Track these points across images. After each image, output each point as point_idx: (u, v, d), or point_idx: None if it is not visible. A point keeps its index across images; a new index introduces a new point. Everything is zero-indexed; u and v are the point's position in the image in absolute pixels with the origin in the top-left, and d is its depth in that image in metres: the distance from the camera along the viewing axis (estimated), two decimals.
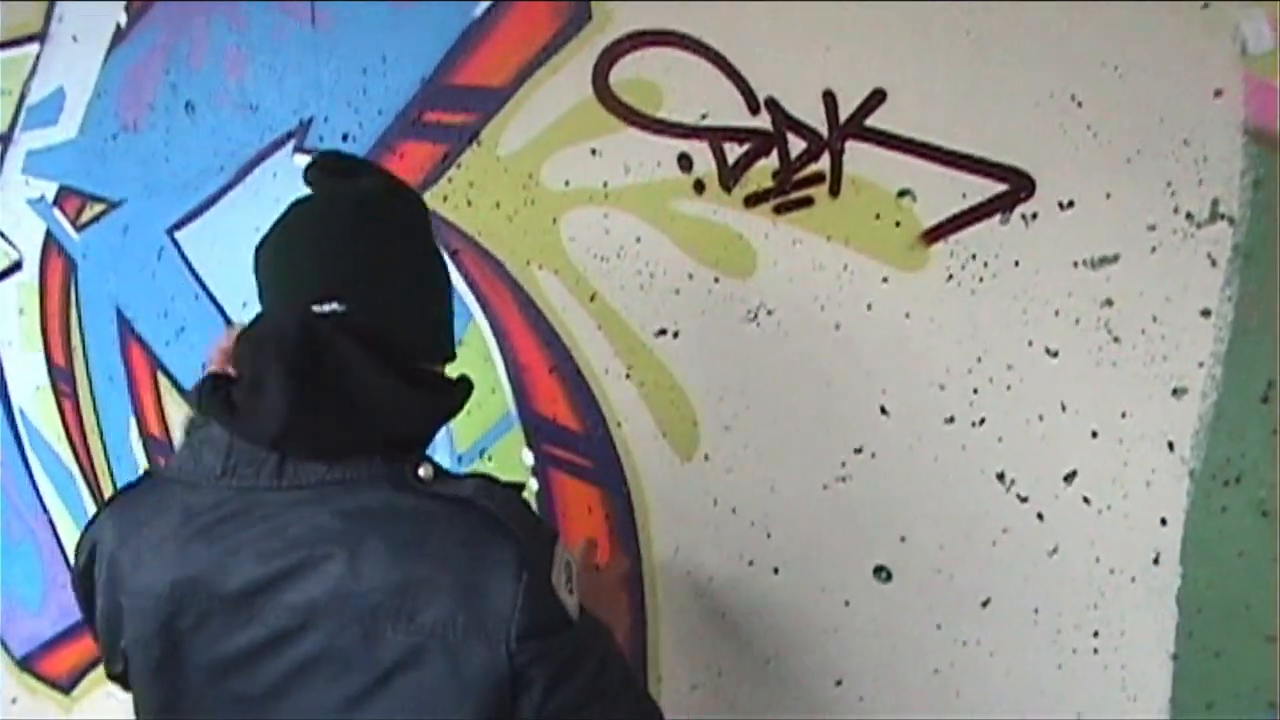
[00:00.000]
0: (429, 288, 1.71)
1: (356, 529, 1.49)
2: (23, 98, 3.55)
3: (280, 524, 1.52)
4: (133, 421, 3.43)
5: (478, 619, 1.46)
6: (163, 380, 3.31)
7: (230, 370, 1.66)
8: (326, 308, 1.55)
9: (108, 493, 3.31)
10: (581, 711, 1.56)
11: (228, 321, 3.00)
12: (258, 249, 1.66)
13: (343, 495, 1.52)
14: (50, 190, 3.53)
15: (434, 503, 1.52)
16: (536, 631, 1.48)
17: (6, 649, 4.36)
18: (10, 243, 3.77)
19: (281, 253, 1.64)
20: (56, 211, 3.53)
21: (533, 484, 2.52)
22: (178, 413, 3.22)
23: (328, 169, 1.71)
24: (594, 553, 2.27)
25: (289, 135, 2.81)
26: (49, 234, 3.61)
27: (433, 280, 1.72)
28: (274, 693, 1.55)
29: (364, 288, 1.58)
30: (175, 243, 3.14)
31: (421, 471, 1.55)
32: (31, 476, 4.04)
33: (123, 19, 3.16)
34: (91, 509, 3.73)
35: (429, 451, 1.66)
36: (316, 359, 1.51)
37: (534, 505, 2.52)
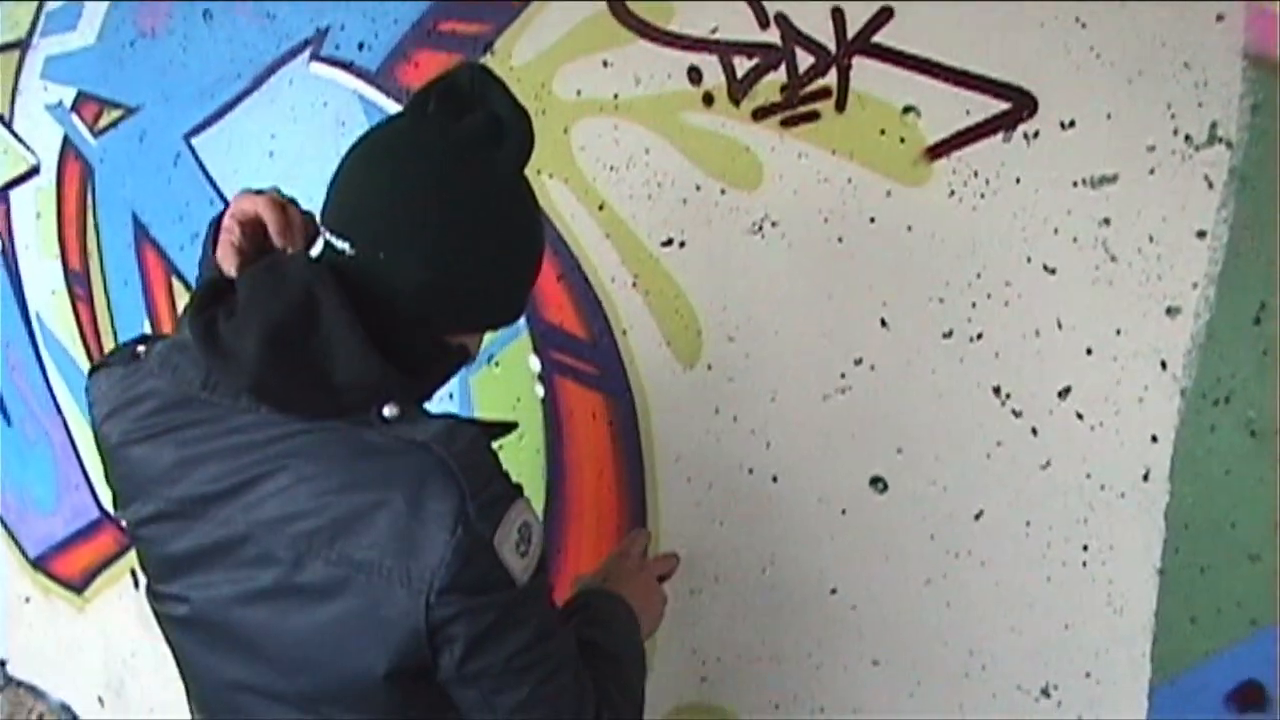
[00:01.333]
0: (481, 254, 1.61)
1: (307, 456, 1.50)
2: (41, 3, 3.56)
3: (242, 441, 1.53)
4: (147, 325, 3.47)
5: (404, 565, 1.44)
6: (177, 285, 3.34)
7: (231, 268, 1.67)
8: (339, 244, 1.55)
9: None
10: (508, 679, 1.54)
11: None
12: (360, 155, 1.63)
13: (306, 420, 1.52)
14: (68, 96, 3.56)
15: (391, 442, 1.49)
16: (463, 588, 1.46)
17: (20, 548, 4.42)
18: (28, 147, 3.80)
19: (344, 168, 1.61)
20: (74, 117, 3.55)
21: (539, 390, 2.56)
22: None
23: (446, 92, 1.61)
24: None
25: (305, 43, 2.83)
26: (66, 139, 3.63)
27: (489, 245, 1.61)
28: (210, 600, 1.59)
29: (390, 239, 1.54)
30: (191, 149, 3.17)
31: (386, 410, 1.51)
32: (46, 379, 4.08)
33: None
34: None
35: None
36: (306, 320, 1.50)
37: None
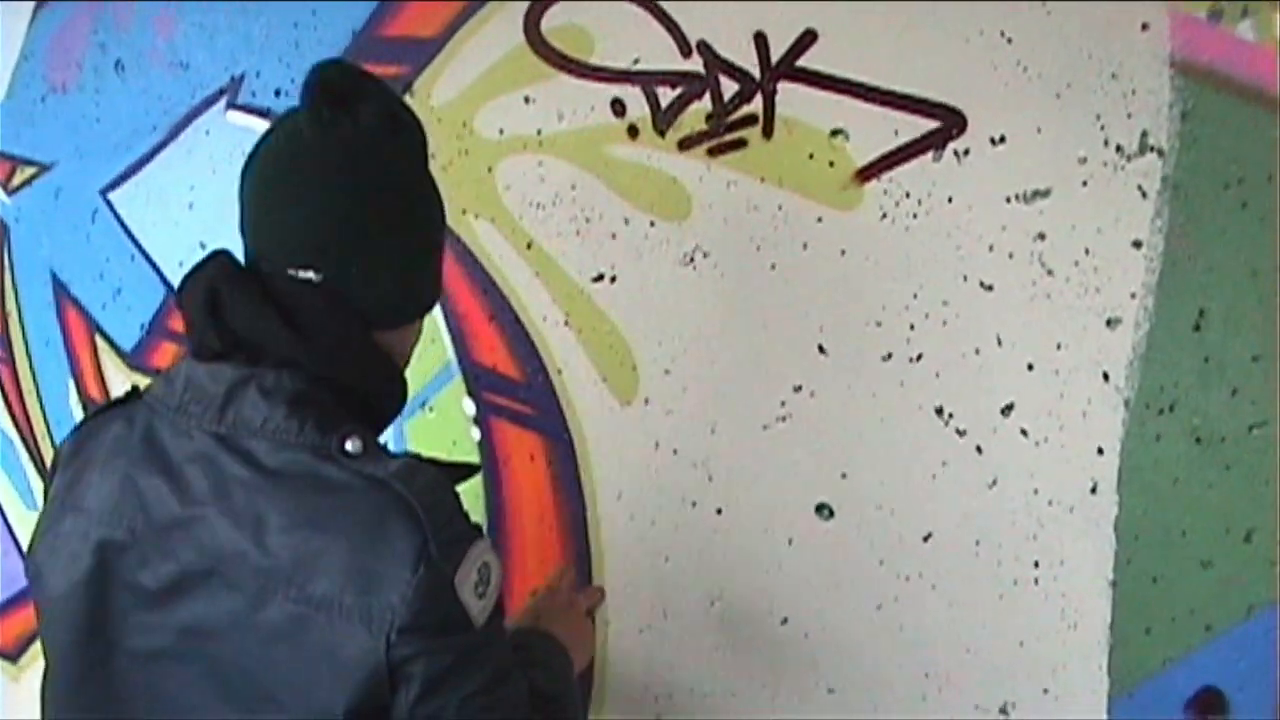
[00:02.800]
0: (417, 244, 1.68)
1: (267, 489, 1.49)
2: None
3: (205, 468, 1.52)
4: (72, 385, 3.41)
5: (364, 604, 1.43)
6: (100, 343, 3.29)
7: None
8: (303, 274, 1.54)
9: (49, 458, 3.28)
10: None
11: (165, 283, 2.99)
12: (245, 169, 1.63)
13: (269, 451, 1.50)
14: None
15: (352, 478, 1.49)
16: (423, 627, 1.45)
17: None
18: None
19: (265, 196, 1.60)
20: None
21: (474, 433, 2.53)
22: (117, 375, 3.21)
23: (329, 92, 1.59)
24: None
25: (221, 92, 2.80)
26: None
27: (422, 233, 1.69)
28: (178, 632, 1.55)
29: (346, 255, 1.56)
30: (109, 204, 3.13)
31: (349, 445, 1.50)
32: None
33: None
34: (33, 475, 3.71)
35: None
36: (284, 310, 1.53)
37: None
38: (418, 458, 1.56)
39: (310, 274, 1.54)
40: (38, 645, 3.89)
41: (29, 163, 3.36)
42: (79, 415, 3.38)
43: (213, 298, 1.56)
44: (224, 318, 1.56)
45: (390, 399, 1.67)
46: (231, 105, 2.78)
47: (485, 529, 2.36)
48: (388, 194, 1.60)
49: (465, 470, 1.64)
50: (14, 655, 4.09)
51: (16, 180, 3.42)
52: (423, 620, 1.44)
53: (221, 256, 1.62)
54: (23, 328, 3.59)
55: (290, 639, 1.46)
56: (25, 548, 3.71)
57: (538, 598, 2.22)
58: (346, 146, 1.57)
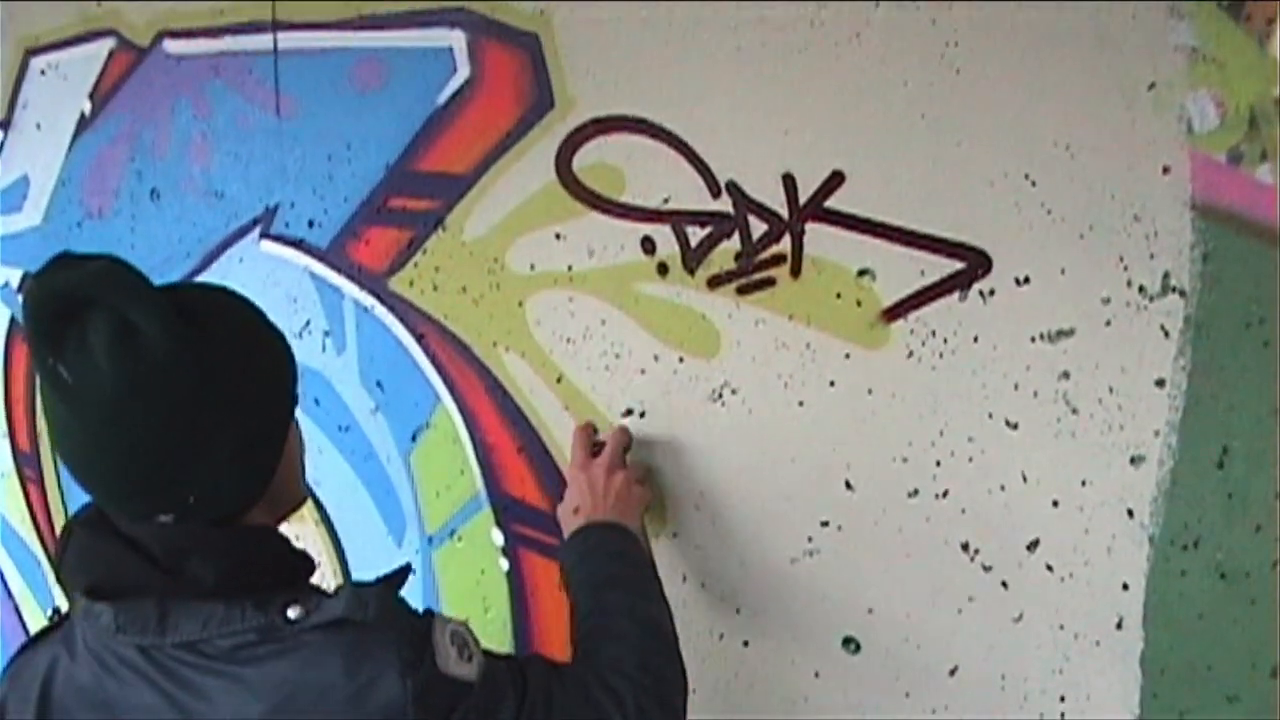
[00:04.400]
0: (247, 435, 1.58)
1: (238, 682, 1.51)
2: None
3: (161, 695, 1.54)
4: None
5: None
6: None
7: None
8: (157, 519, 1.55)
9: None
10: None
11: None
12: (48, 422, 1.56)
13: (222, 664, 1.52)
14: (14, 277, 3.54)
15: (309, 636, 1.51)
16: (437, 718, 1.51)
17: None
18: None
19: (80, 460, 1.53)
20: (20, 298, 3.54)
21: (503, 563, 2.54)
22: None
23: (45, 336, 1.45)
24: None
25: (255, 221, 2.83)
26: (13, 320, 3.61)
27: (246, 419, 1.57)
28: None
29: (187, 492, 1.53)
30: None
31: (291, 613, 1.52)
32: None
33: (87, 107, 3.18)
34: (58, 593, 3.72)
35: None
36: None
37: (504, 579, 2.54)
38: (355, 583, 1.60)
39: (160, 518, 1.54)
40: None
41: None
42: None
43: (80, 554, 1.61)
44: (96, 572, 1.58)
45: (279, 552, 1.67)
46: (265, 235, 2.81)
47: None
48: (182, 411, 1.48)
49: (401, 577, 1.68)
50: None
51: None
52: (434, 713, 1.50)
53: (87, 510, 1.63)
54: (52, 447, 3.61)
55: None
56: None
57: (573, 493, 2.20)
58: (98, 397, 1.44)
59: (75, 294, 1.44)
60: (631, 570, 2.02)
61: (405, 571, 1.70)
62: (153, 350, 1.44)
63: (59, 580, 1.64)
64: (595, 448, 2.24)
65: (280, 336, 1.69)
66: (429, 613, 1.61)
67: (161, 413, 1.46)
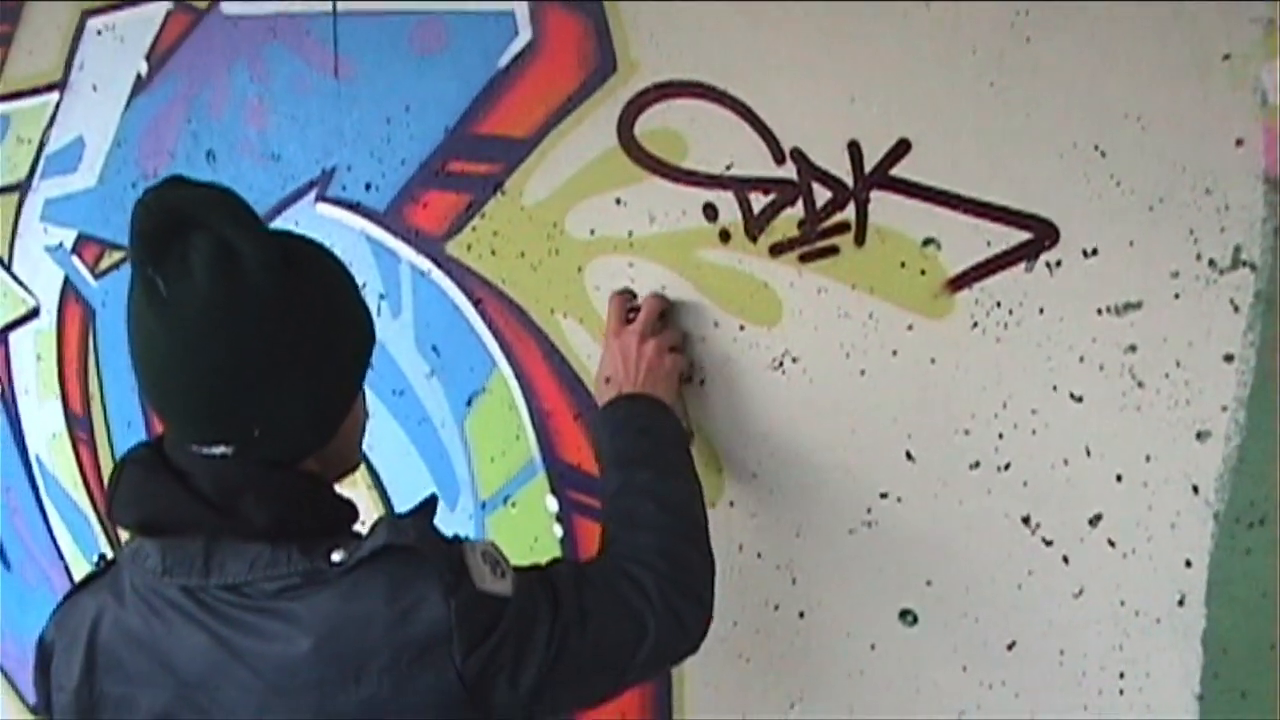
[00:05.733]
0: (324, 376, 1.62)
1: (283, 618, 1.54)
2: (42, 146, 3.57)
3: (209, 634, 1.56)
4: None
5: (420, 656, 1.50)
6: None
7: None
8: (216, 450, 1.56)
9: (124, 537, 3.32)
10: (559, 675, 1.62)
11: None
12: (128, 333, 1.59)
13: (267, 602, 1.55)
14: (69, 238, 3.56)
15: (352, 573, 1.54)
16: (479, 639, 1.53)
17: (20, 697, 4.37)
18: (28, 290, 3.79)
19: (147, 374, 1.57)
20: (75, 259, 3.56)
21: (557, 530, 2.54)
22: None
23: (151, 252, 1.48)
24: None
25: (311, 184, 2.83)
26: (67, 281, 3.63)
27: (325, 360, 1.61)
28: None
29: (253, 424, 1.56)
30: None
31: (335, 556, 1.55)
32: (47, 523, 4.05)
33: (144, 68, 3.18)
34: (108, 553, 3.75)
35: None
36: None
37: (559, 548, 2.55)
38: (390, 516, 1.69)
39: (220, 449, 1.56)
40: None
41: (118, 247, 3.40)
42: None
43: (132, 490, 1.61)
44: (147, 508, 1.60)
45: (329, 500, 1.71)
46: (321, 198, 2.81)
47: None
48: (266, 340, 1.53)
49: (431, 506, 1.71)
50: None
51: (105, 264, 3.46)
52: (476, 633, 1.54)
53: (139, 449, 1.66)
54: (105, 409, 3.63)
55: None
56: None
57: (606, 361, 2.23)
58: (189, 312, 1.49)
59: (185, 211, 1.48)
60: (658, 447, 2.04)
61: (434, 501, 1.72)
62: (249, 275, 1.49)
63: (109, 516, 1.64)
64: (631, 314, 2.24)
65: (365, 306, 1.74)
66: (458, 538, 1.65)
67: (247, 336, 1.51)
